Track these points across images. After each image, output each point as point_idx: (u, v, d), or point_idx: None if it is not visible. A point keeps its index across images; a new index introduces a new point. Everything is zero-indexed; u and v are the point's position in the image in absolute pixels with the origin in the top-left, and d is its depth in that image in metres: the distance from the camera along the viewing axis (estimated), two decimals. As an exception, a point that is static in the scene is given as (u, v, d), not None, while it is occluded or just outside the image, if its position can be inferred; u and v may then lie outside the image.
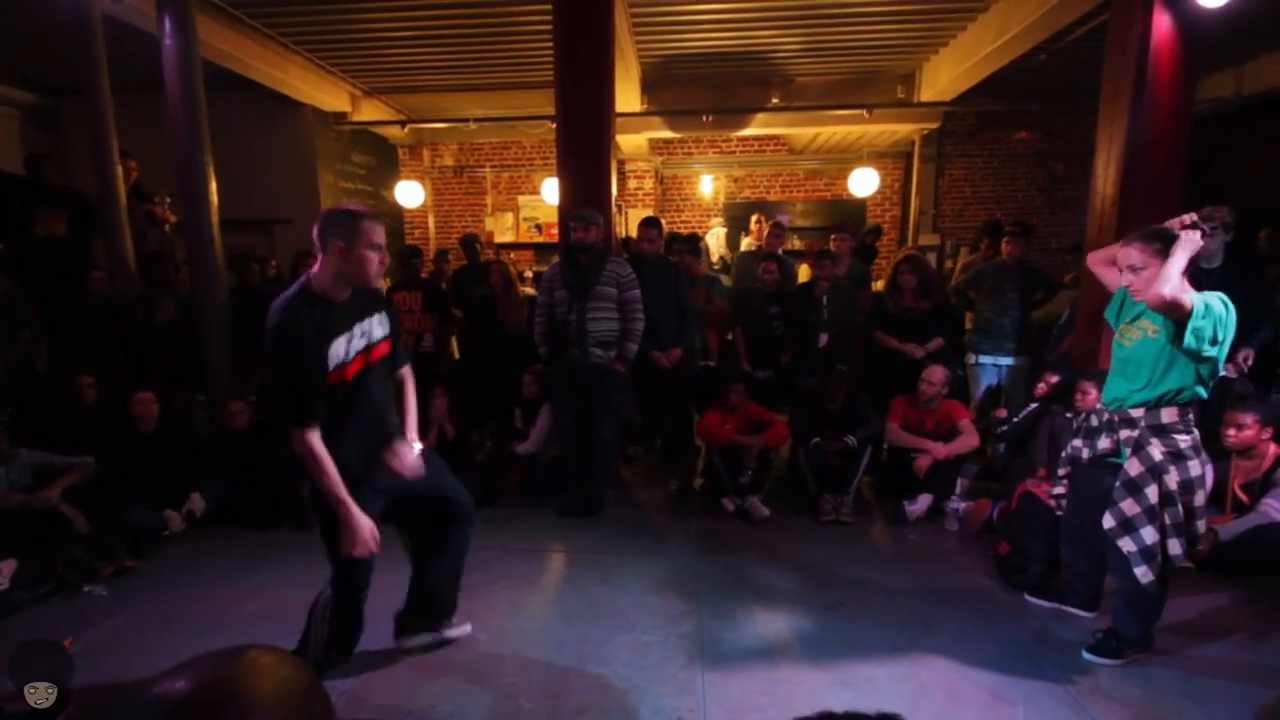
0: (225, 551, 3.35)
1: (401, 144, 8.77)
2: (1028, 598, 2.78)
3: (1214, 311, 2.11)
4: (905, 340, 4.14)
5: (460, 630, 2.50)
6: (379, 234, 1.94)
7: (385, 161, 8.64)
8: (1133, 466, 2.20)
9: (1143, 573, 2.20)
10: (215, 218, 4.11)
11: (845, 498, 3.68)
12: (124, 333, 4.18)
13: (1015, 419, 3.66)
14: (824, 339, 4.28)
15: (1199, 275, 3.45)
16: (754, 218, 6.59)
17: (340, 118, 7.31)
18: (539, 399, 4.18)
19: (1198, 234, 2.14)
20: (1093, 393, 3.09)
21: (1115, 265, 2.33)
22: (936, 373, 3.78)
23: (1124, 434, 2.25)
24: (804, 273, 5.27)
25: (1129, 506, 2.21)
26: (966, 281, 4.69)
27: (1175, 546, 2.19)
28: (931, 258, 7.19)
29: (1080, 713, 2.11)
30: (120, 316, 4.22)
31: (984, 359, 4.36)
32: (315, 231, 1.92)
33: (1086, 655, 2.37)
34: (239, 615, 2.73)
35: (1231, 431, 3.00)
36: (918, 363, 3.96)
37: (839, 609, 2.76)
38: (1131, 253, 2.19)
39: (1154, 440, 2.19)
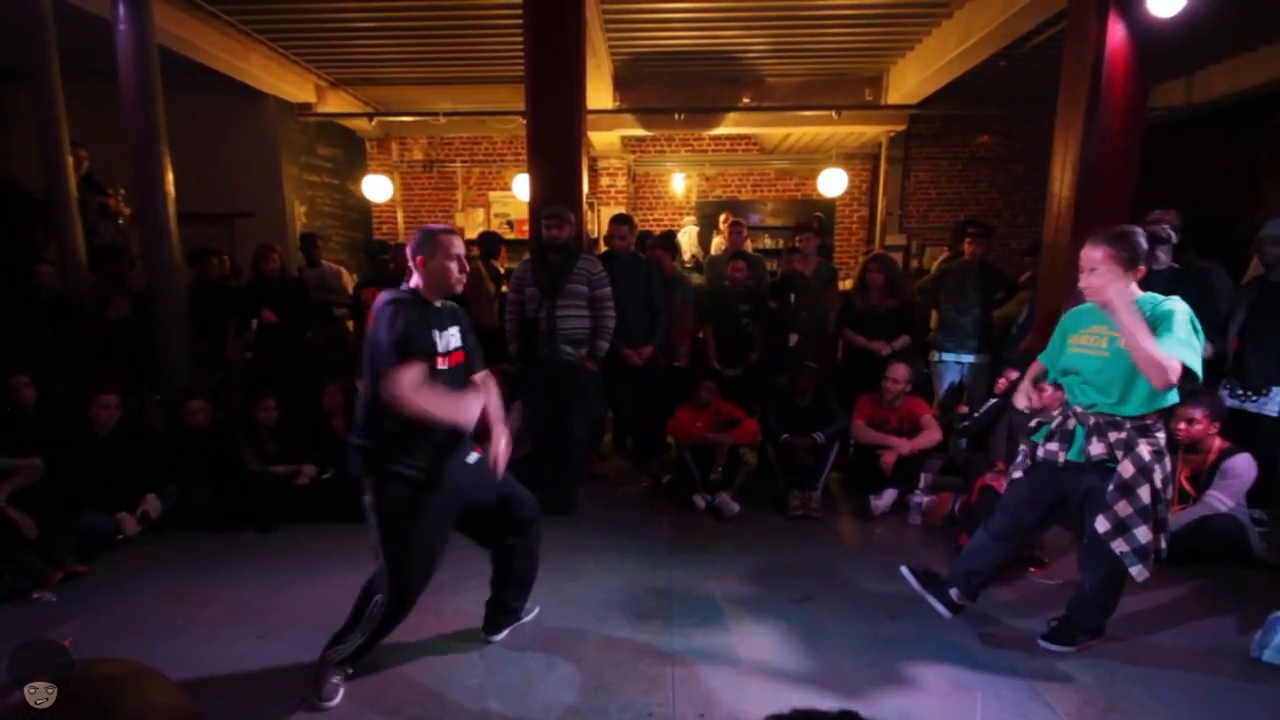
0: (182, 555, 3.25)
1: (369, 137, 8.61)
2: (903, 569, 2.63)
3: (1197, 333, 2.06)
4: (873, 338, 4.21)
5: (532, 613, 2.61)
6: (457, 246, 2.17)
7: (352, 155, 8.47)
8: (1126, 469, 2.16)
9: (1138, 571, 2.17)
10: (172, 210, 3.98)
11: (813, 493, 3.74)
12: (74, 330, 4.02)
13: (976, 415, 3.76)
14: (794, 339, 4.34)
15: (1147, 277, 3.59)
16: (722, 217, 6.65)
17: (305, 109, 7.14)
18: (509, 397, 4.15)
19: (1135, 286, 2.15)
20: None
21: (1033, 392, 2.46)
22: (899, 370, 3.86)
23: (1113, 436, 2.19)
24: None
25: (1123, 508, 2.16)
26: (931, 281, 4.80)
27: (1162, 541, 2.21)
28: (898, 258, 7.33)
29: (1035, 698, 2.18)
30: (70, 313, 4.06)
31: (947, 356, 4.47)
32: (408, 251, 2.18)
33: (1042, 643, 2.43)
34: (196, 621, 2.66)
35: (1182, 425, 3.12)
36: (884, 360, 4.04)
37: (806, 602, 2.80)
38: (1093, 253, 2.14)
39: (1142, 441, 2.17)
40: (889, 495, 3.74)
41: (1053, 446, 2.32)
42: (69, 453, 3.39)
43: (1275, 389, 3.38)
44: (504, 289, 4.95)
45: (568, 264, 3.64)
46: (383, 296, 2.11)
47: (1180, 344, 2.02)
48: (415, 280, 2.18)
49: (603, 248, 4.69)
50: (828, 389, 4.07)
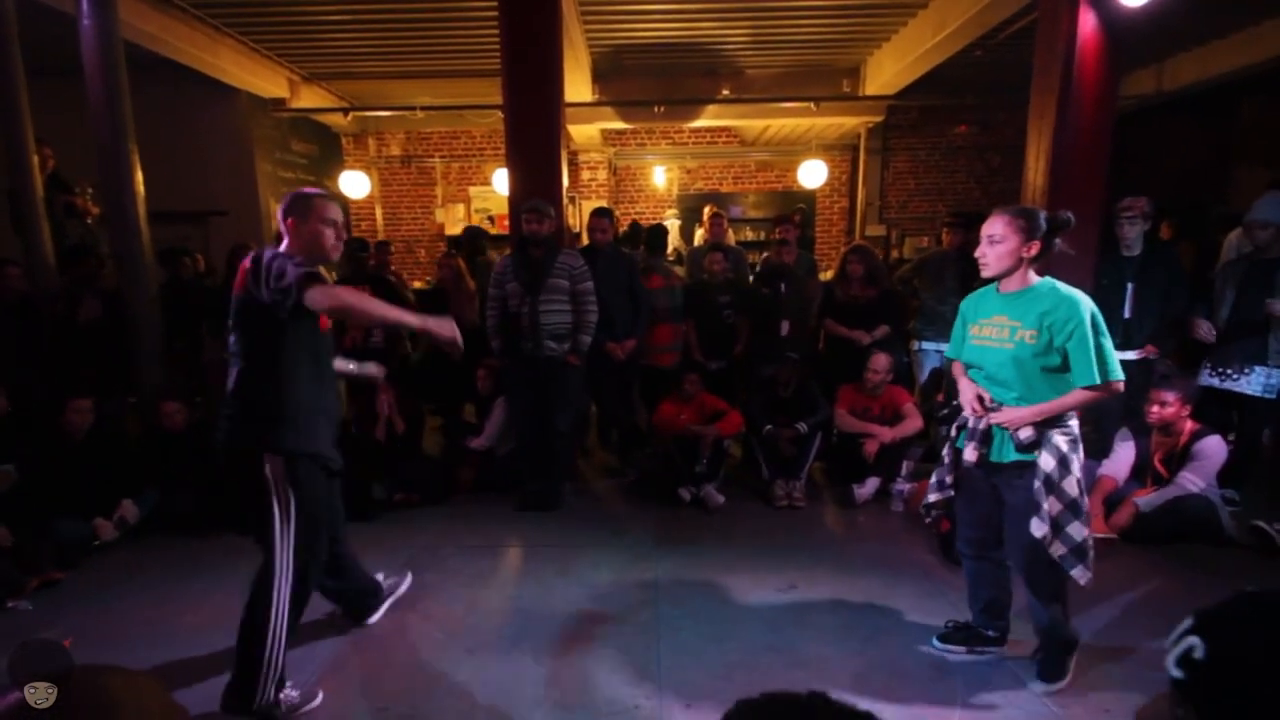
0: (161, 561, 3.20)
1: (345, 132, 8.49)
2: (936, 643, 2.41)
3: (1102, 333, 1.96)
4: (853, 328, 4.25)
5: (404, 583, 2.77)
6: (331, 210, 2.07)
7: (328, 151, 8.35)
8: (1045, 462, 2.01)
9: (1080, 573, 2.02)
10: (142, 209, 3.90)
11: (797, 483, 3.77)
12: (42, 333, 3.93)
13: (954, 402, 3.80)
14: (785, 327, 4.35)
15: (1119, 263, 3.66)
16: (707, 209, 6.65)
17: (278, 104, 7.02)
18: (493, 393, 4.14)
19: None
20: None
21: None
22: (880, 360, 3.89)
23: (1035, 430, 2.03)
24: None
25: (1053, 505, 2.00)
26: (910, 270, 4.84)
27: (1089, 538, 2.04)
28: (878, 248, 7.38)
29: (1015, 682, 2.23)
30: (39, 315, 3.97)
31: (927, 345, 4.51)
32: (278, 214, 2.08)
33: (1041, 686, 2.18)
34: (176, 628, 2.62)
35: (1155, 408, 3.19)
36: (865, 350, 4.08)
37: (792, 591, 2.83)
38: (995, 222, 2.05)
39: (1054, 431, 2.02)
40: (872, 483, 3.78)
41: (970, 454, 2.14)
42: (43, 459, 3.31)
43: (1258, 368, 3.43)
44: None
45: (549, 259, 3.62)
46: (261, 254, 1.98)
47: (1101, 362, 1.93)
48: (285, 245, 2.06)
49: (584, 241, 4.68)
50: (810, 379, 4.10)
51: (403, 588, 2.78)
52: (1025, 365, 2.04)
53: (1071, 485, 2.01)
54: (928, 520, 2.45)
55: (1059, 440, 2.02)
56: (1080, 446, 2.07)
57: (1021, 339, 2.03)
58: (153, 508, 3.49)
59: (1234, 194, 7.04)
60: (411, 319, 2.06)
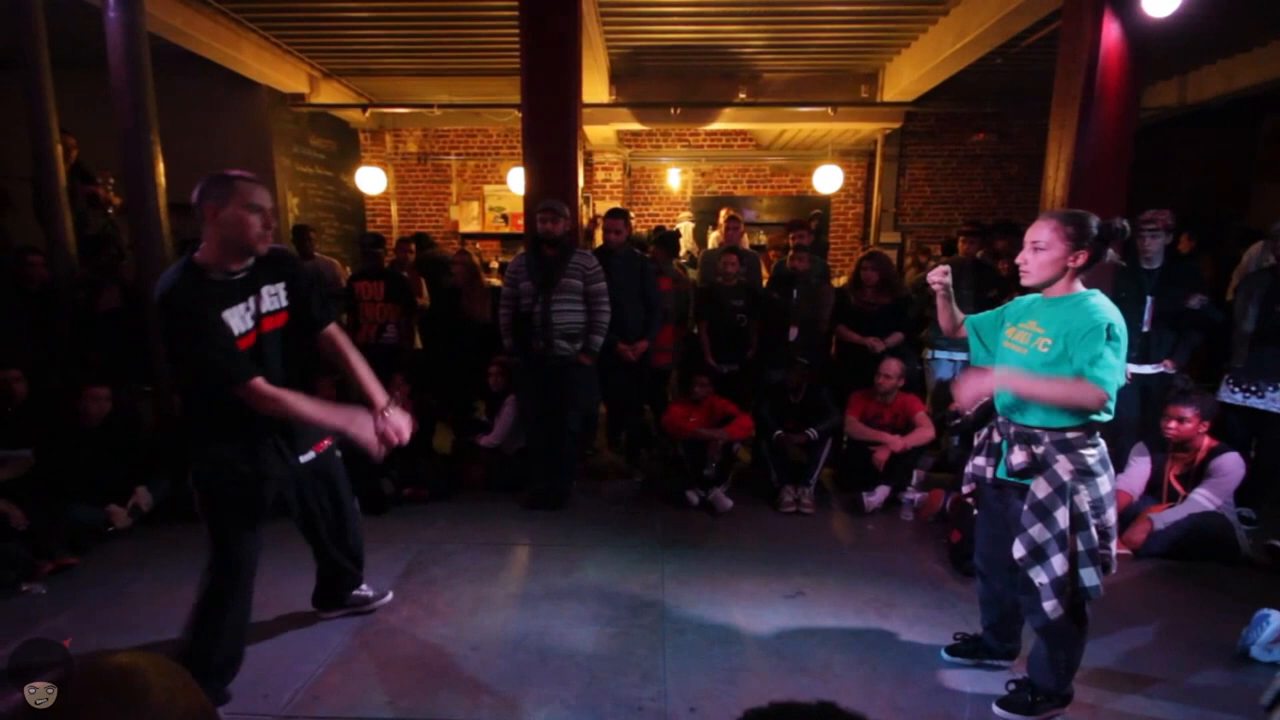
0: (173, 548, 3.23)
1: (363, 128, 8.55)
2: (944, 655, 2.39)
3: (1114, 349, 1.83)
4: (867, 334, 4.23)
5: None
6: (258, 195, 1.84)
7: (346, 146, 8.41)
8: (1040, 488, 1.91)
9: (1051, 607, 1.91)
10: (163, 200, 3.94)
11: (806, 489, 3.75)
12: (62, 321, 3.98)
13: (968, 412, 3.77)
14: (794, 332, 4.34)
15: (1139, 276, 3.62)
16: (724, 212, 6.65)
17: (298, 99, 7.08)
18: (504, 391, 4.15)
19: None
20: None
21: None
22: (892, 366, 3.87)
23: (1033, 449, 1.95)
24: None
25: (1039, 532, 1.91)
26: (924, 279, 4.81)
27: (1091, 576, 1.89)
28: (892, 255, 7.35)
29: (1025, 694, 2.20)
30: (60, 304, 4.02)
31: (941, 354, 4.48)
32: (193, 199, 1.84)
33: (997, 710, 2.10)
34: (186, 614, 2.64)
35: (1173, 424, 3.15)
36: (877, 357, 4.06)
37: (798, 597, 2.82)
38: (1042, 227, 1.92)
39: (1060, 457, 1.90)
40: (881, 492, 3.76)
41: (980, 461, 2.10)
42: (59, 445, 3.36)
43: None
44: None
45: (563, 258, 3.63)
46: (162, 277, 1.83)
47: (1094, 363, 1.80)
48: (203, 244, 1.84)
49: (598, 241, 4.68)
50: (821, 385, 4.08)
51: (371, 603, 2.64)
52: (1034, 372, 1.93)
53: (1063, 517, 1.87)
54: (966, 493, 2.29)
55: (1060, 467, 1.89)
56: (1096, 479, 1.90)
57: (1036, 346, 1.94)
58: (166, 495, 3.53)
59: (1254, 209, 6.96)
60: (334, 420, 1.96)
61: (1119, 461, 3.45)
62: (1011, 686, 2.14)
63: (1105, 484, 1.91)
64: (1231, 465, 3.11)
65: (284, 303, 2.02)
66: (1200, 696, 2.21)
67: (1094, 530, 1.89)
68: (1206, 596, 2.85)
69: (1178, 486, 3.22)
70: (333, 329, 2.18)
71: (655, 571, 3.04)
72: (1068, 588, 1.90)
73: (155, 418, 4.02)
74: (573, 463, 3.91)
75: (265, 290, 1.97)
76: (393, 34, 6.00)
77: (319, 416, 1.95)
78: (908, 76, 6.41)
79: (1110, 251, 1.94)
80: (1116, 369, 1.82)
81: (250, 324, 1.92)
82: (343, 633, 2.52)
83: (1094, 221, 1.90)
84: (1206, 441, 3.18)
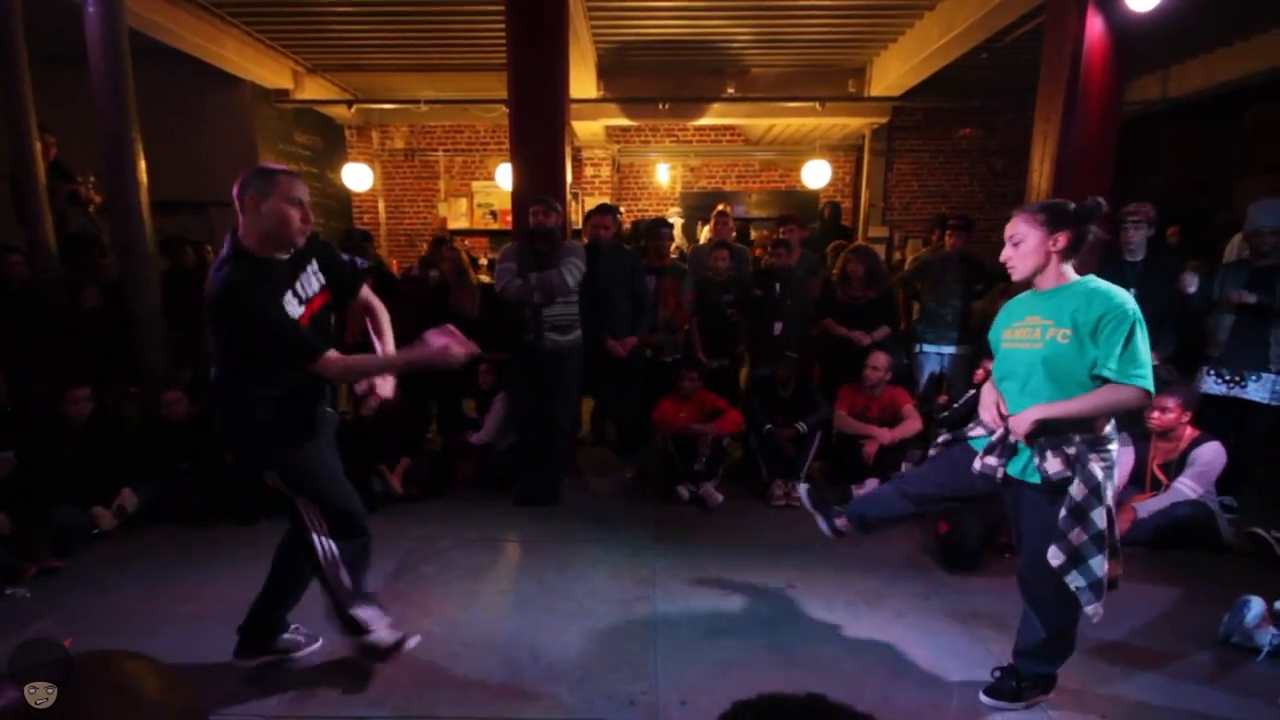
0: (160, 550, 3.21)
1: (349, 125, 8.47)
2: (801, 489, 2.72)
3: (1140, 338, 1.79)
4: (853, 328, 4.25)
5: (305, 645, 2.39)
6: (298, 189, 1.90)
7: (331, 143, 8.33)
8: (1077, 490, 1.84)
9: (1094, 610, 1.88)
10: (144, 198, 3.89)
11: (796, 483, 3.77)
12: (44, 321, 3.93)
13: (955, 405, 3.81)
14: (778, 327, 4.35)
15: (1123, 268, 3.66)
16: (720, 206, 6.62)
17: (282, 95, 7.00)
18: (494, 388, 4.14)
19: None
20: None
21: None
22: (880, 359, 3.90)
23: (1065, 452, 1.88)
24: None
25: (1076, 536, 1.85)
26: (912, 272, 4.84)
27: (1102, 564, 1.89)
28: (880, 249, 7.39)
29: (1012, 682, 2.22)
30: (40, 303, 3.96)
31: (928, 347, 4.51)
32: (234, 191, 1.87)
33: (983, 698, 2.12)
34: (174, 617, 2.62)
35: (1155, 414, 3.19)
36: (865, 350, 4.08)
37: (788, 590, 2.84)
38: (1014, 222, 1.92)
39: (1093, 456, 1.86)
40: (870, 484, 3.78)
41: (991, 461, 2.00)
42: (42, 446, 3.32)
43: (1264, 375, 3.43)
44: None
45: (553, 252, 3.62)
46: (214, 267, 1.88)
47: (1128, 359, 1.76)
48: (241, 228, 1.89)
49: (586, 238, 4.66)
50: (810, 379, 4.10)
51: (300, 649, 2.35)
52: (1057, 368, 1.85)
53: (1101, 517, 1.84)
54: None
55: (1095, 467, 1.84)
56: (1115, 473, 1.91)
57: (1053, 338, 1.85)
58: (152, 497, 3.49)
59: (1237, 202, 7.03)
60: (408, 358, 2.06)
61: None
62: (997, 674, 2.17)
63: (1116, 473, 1.93)
64: (1213, 454, 3.16)
65: (323, 280, 2.06)
66: (1183, 682, 2.25)
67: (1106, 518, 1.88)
68: (1189, 583, 2.90)
69: (1160, 476, 3.26)
70: (365, 290, 2.25)
71: (646, 566, 3.05)
72: (1104, 585, 1.88)
73: (140, 418, 3.98)
74: (563, 458, 3.91)
75: (308, 270, 2.01)
76: (378, 29, 5.95)
77: (393, 362, 2.08)
78: (895, 71, 6.44)
79: (1094, 229, 1.92)
80: (1147, 358, 1.80)
81: (300, 308, 1.97)
82: (334, 630, 2.51)
83: (1069, 205, 1.89)
84: (1188, 431, 3.23)
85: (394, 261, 8.01)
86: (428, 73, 7.07)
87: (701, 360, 4.34)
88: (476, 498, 3.86)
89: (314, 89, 7.20)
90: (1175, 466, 3.23)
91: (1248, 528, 3.22)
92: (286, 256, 1.95)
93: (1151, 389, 1.79)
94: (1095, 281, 1.88)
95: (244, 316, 1.83)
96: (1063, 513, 1.87)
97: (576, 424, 4.44)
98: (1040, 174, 3.89)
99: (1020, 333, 1.97)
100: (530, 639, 2.47)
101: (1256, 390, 3.45)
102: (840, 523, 2.51)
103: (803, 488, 2.70)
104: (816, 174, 7.50)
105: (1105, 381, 1.81)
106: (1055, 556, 1.88)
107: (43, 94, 4.04)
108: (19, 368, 3.63)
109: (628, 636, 2.49)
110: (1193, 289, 3.49)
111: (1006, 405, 1.99)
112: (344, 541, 2.11)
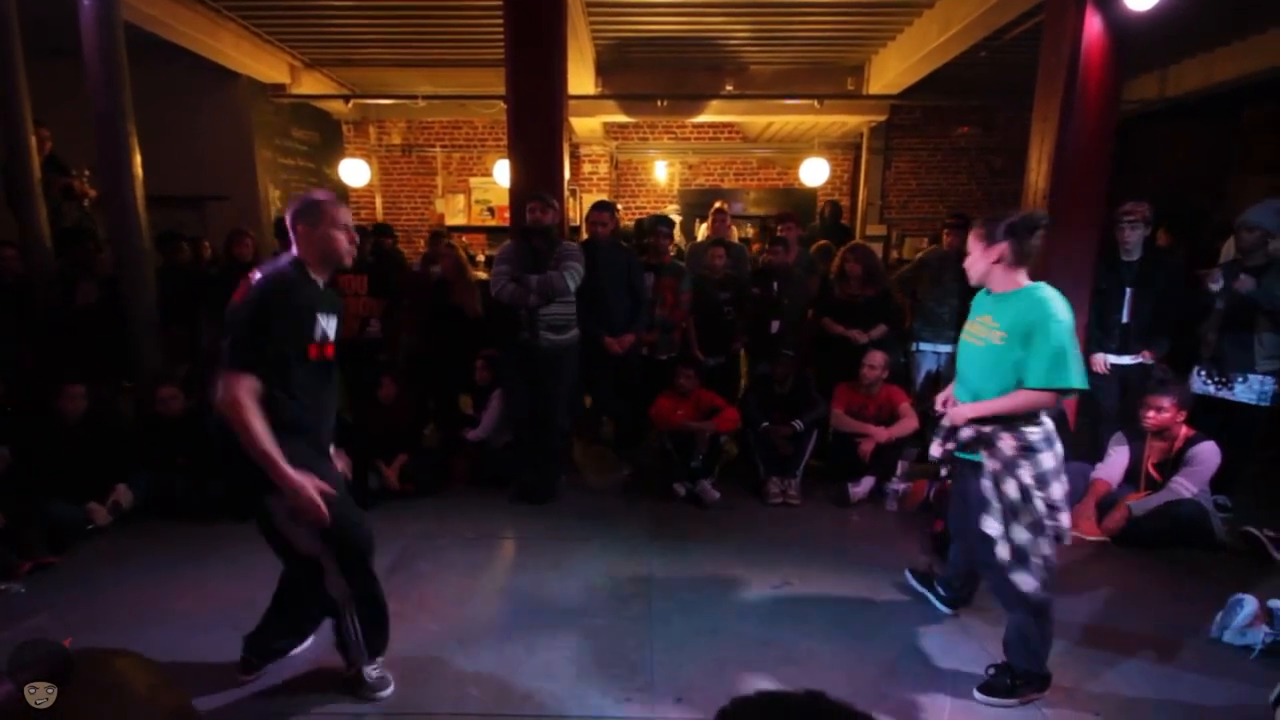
0: (154, 546, 3.20)
1: (346, 120, 8.45)
2: (907, 573, 2.80)
3: (1067, 343, 1.93)
4: (851, 327, 4.25)
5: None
6: (343, 214, 2.04)
7: (328, 138, 8.31)
8: (990, 462, 2.06)
9: (1023, 580, 2.02)
10: (140, 192, 3.87)
11: (792, 480, 3.78)
12: (38, 316, 3.91)
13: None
14: (775, 325, 4.36)
15: (1119, 267, 3.67)
16: (718, 204, 6.60)
17: (279, 90, 6.97)
18: (490, 385, 4.13)
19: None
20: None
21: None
22: (876, 357, 3.90)
23: (979, 428, 2.10)
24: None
25: (996, 500, 2.06)
26: (910, 271, 4.84)
27: (1044, 546, 2.02)
28: (878, 248, 7.39)
29: (1006, 679, 2.23)
30: (34, 298, 3.94)
31: (925, 346, 4.51)
32: (288, 221, 2.02)
33: (978, 695, 2.16)
34: (170, 612, 2.62)
35: (1150, 414, 3.20)
36: (862, 348, 4.08)
37: (785, 588, 2.84)
38: (969, 236, 2.15)
39: (1004, 435, 2.04)
40: (866, 482, 3.79)
41: (935, 448, 2.25)
42: (37, 441, 3.31)
43: (1251, 376, 3.44)
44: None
45: (550, 249, 3.61)
46: (266, 271, 1.92)
47: (1055, 366, 1.92)
48: (295, 251, 1.99)
49: (584, 235, 4.66)
50: (807, 377, 4.10)
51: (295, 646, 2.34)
52: (988, 366, 2.08)
53: (1012, 489, 2.03)
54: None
55: (1004, 444, 2.04)
56: (1038, 455, 2.01)
57: (990, 339, 2.08)
58: (147, 493, 3.48)
59: (1233, 202, 7.05)
60: (281, 472, 1.84)
61: (1098, 451, 3.52)
62: (991, 671, 2.20)
63: (1048, 460, 2.03)
64: (1208, 454, 3.17)
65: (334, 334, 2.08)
66: (1176, 679, 2.26)
67: (1040, 503, 2.01)
68: (1183, 582, 2.91)
69: (1155, 475, 3.27)
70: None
71: (642, 563, 3.05)
72: (1030, 557, 2.02)
73: (135, 414, 3.97)
74: (560, 456, 3.91)
75: (333, 317, 2.05)
76: (375, 23, 5.92)
77: (264, 451, 1.83)
78: (893, 69, 6.43)
79: (1035, 242, 2.05)
80: (1073, 361, 1.93)
81: (334, 335, 2.05)
82: (330, 627, 2.51)
83: (1006, 221, 2.06)
84: (1184, 430, 3.24)
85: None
86: (425, 68, 7.05)
87: (699, 358, 4.35)
88: (473, 494, 3.86)
89: (311, 84, 7.18)
90: (1171, 465, 3.24)
91: (1241, 527, 3.24)
92: (323, 285, 2.05)
93: (1076, 384, 1.94)
94: (1042, 290, 2.03)
95: (273, 306, 1.87)
96: (985, 482, 2.07)
97: (573, 422, 4.44)
98: (1038, 172, 3.89)
99: (975, 328, 2.17)
100: (526, 635, 2.47)
101: (1244, 391, 3.47)
102: (944, 593, 2.66)
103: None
104: (814, 172, 7.50)
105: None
106: (991, 526, 2.07)
107: (38, 88, 4.01)
108: (14, 363, 3.61)
109: (624, 633, 2.49)
110: (1217, 286, 3.50)
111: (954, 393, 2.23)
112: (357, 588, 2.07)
